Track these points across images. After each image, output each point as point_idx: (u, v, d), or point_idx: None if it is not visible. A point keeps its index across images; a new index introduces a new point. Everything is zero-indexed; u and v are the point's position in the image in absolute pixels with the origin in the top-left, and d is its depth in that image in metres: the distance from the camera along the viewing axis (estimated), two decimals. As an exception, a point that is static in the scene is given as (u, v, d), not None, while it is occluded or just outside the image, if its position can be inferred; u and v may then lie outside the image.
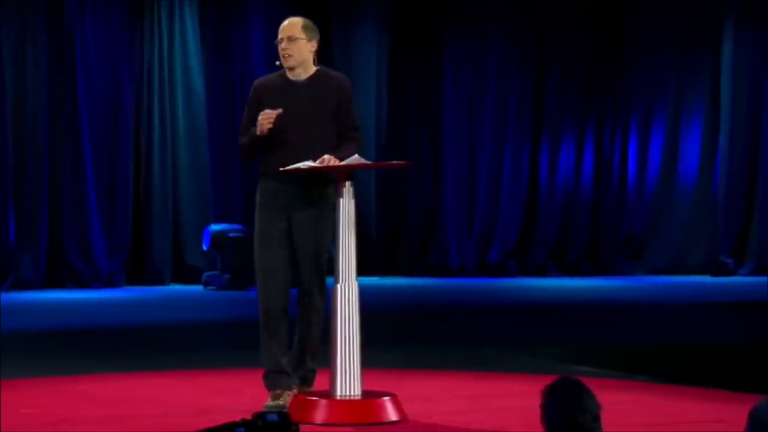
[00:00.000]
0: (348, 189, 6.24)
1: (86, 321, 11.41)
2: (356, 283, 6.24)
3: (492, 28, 16.08)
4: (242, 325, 10.29)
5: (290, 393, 6.42)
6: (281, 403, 6.35)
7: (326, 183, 6.46)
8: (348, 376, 6.16)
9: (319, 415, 6.08)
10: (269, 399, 6.42)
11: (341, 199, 6.24)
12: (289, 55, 6.56)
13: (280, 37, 6.62)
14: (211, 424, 4.80)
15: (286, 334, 6.49)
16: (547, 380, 3.69)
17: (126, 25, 14.42)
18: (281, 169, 6.38)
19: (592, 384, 3.71)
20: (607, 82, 16.38)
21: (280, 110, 6.39)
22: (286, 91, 6.52)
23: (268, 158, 6.51)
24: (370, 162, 6.66)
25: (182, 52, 14.60)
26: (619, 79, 16.37)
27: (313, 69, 6.63)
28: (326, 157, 6.30)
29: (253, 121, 6.48)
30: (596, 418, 3.55)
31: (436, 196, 16.08)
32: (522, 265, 16.07)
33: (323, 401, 6.14)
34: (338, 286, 6.22)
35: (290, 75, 6.60)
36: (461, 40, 16.06)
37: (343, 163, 6.28)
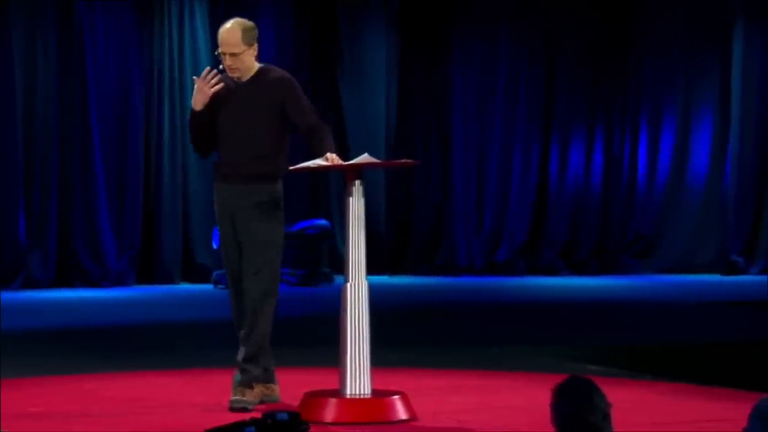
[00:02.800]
0: (357, 188, 6.24)
1: (95, 320, 11.42)
2: (366, 282, 6.24)
3: (500, 26, 16.07)
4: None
5: (262, 387, 6.50)
6: (239, 398, 6.44)
7: (269, 180, 6.49)
8: (358, 375, 6.16)
9: (330, 413, 6.08)
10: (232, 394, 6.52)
11: (350, 198, 6.24)
12: (236, 69, 6.58)
13: (222, 51, 6.57)
14: (221, 423, 4.81)
15: None
16: (556, 379, 3.69)
17: (136, 24, 14.43)
18: (290, 168, 6.42)
19: (601, 383, 3.70)
20: (617, 81, 16.36)
21: (211, 71, 6.47)
22: (229, 92, 6.56)
23: (218, 159, 6.63)
24: (378, 161, 6.66)
25: (192, 51, 14.62)
26: (628, 79, 16.35)
27: (255, 68, 6.64)
28: (332, 155, 6.32)
29: None
30: (606, 417, 3.55)
31: (444, 195, 16.07)
32: (531, 264, 16.06)
33: (333, 400, 6.14)
34: (348, 285, 6.22)
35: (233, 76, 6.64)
36: (470, 39, 16.05)
37: (352, 161, 6.28)
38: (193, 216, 14.60)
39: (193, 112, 6.57)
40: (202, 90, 6.50)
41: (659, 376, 7.79)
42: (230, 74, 6.58)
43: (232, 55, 6.53)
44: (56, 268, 14.07)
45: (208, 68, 6.60)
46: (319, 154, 6.42)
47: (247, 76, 6.58)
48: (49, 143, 13.97)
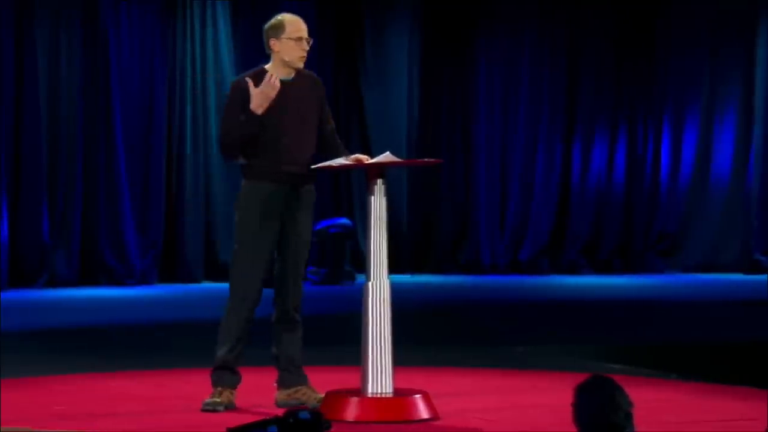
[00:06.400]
0: (380, 187, 6.24)
1: (120, 318, 11.46)
2: (388, 281, 6.24)
3: (524, 27, 16.07)
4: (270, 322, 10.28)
5: (233, 391, 6.47)
6: (218, 400, 6.39)
7: (311, 181, 6.46)
8: (380, 374, 6.16)
9: (351, 412, 6.09)
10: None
11: (372, 197, 6.24)
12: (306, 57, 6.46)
13: (300, 35, 6.42)
14: (244, 421, 4.82)
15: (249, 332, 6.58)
16: (579, 378, 3.70)
17: (159, 25, 14.48)
18: (313, 167, 6.41)
19: (624, 382, 3.71)
20: (640, 80, 16.34)
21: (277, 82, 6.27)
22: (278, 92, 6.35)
23: (259, 158, 6.35)
24: (401, 159, 6.65)
25: (214, 51, 14.66)
26: (651, 78, 16.33)
27: None
28: (361, 156, 6.32)
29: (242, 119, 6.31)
30: (628, 416, 3.56)
31: (467, 194, 16.08)
32: (554, 263, 16.06)
33: (355, 399, 6.15)
34: (370, 283, 6.22)
35: (277, 73, 6.38)
36: (493, 39, 16.06)
37: (376, 160, 6.28)
38: (215, 215, 14.64)
39: (254, 117, 6.24)
40: (268, 94, 6.24)
41: (683, 376, 7.77)
42: (297, 64, 6.38)
43: (308, 40, 6.44)
44: (80, 266, 14.13)
45: (270, 73, 6.31)
46: (338, 155, 6.41)
47: (290, 74, 6.45)
48: (73, 143, 14.03)
